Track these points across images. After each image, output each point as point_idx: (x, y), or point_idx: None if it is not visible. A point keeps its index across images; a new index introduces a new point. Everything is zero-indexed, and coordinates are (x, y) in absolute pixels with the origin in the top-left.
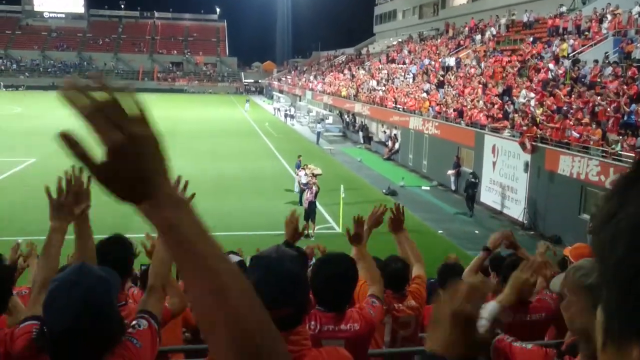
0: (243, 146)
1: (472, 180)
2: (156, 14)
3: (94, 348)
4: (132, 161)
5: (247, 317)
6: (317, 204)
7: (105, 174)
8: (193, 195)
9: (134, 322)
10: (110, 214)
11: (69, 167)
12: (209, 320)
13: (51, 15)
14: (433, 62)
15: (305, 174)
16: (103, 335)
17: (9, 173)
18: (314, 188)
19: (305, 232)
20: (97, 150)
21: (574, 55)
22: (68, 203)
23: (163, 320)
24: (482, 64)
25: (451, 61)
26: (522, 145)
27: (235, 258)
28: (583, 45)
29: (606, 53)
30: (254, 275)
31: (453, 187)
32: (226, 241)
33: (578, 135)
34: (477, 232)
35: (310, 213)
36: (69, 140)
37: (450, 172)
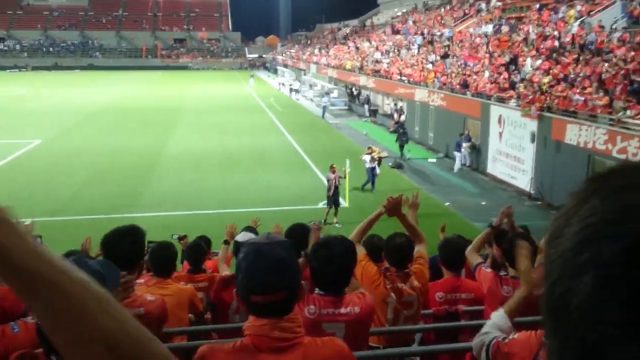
0: (249, 122)
1: (401, 130)
2: None
3: None
4: None
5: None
6: (326, 181)
7: None
8: None
9: None
10: (115, 194)
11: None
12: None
13: None
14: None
15: (372, 158)
16: None
17: (15, 155)
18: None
19: (325, 219)
20: None
21: (582, 22)
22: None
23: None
24: (488, 33)
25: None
26: (526, 109)
27: (249, 235)
28: (591, 11)
29: (615, 19)
30: (245, 261)
31: (463, 162)
32: (237, 217)
33: (583, 99)
34: (483, 203)
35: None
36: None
37: (464, 144)
